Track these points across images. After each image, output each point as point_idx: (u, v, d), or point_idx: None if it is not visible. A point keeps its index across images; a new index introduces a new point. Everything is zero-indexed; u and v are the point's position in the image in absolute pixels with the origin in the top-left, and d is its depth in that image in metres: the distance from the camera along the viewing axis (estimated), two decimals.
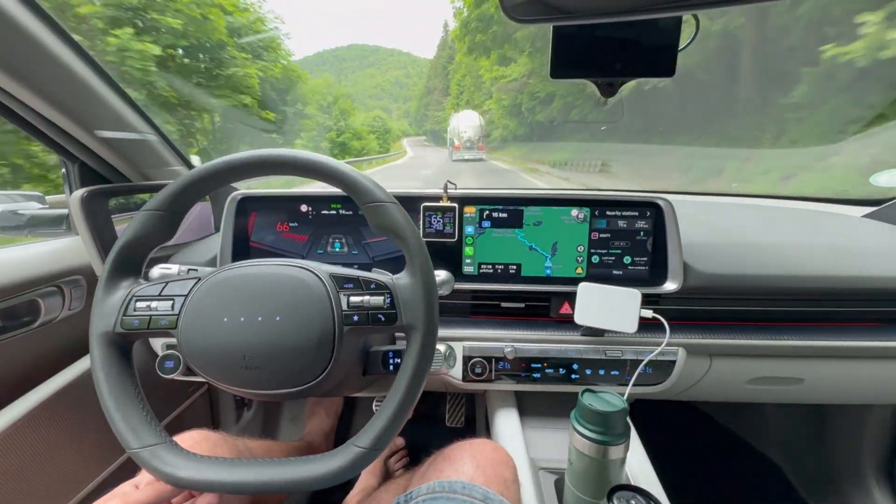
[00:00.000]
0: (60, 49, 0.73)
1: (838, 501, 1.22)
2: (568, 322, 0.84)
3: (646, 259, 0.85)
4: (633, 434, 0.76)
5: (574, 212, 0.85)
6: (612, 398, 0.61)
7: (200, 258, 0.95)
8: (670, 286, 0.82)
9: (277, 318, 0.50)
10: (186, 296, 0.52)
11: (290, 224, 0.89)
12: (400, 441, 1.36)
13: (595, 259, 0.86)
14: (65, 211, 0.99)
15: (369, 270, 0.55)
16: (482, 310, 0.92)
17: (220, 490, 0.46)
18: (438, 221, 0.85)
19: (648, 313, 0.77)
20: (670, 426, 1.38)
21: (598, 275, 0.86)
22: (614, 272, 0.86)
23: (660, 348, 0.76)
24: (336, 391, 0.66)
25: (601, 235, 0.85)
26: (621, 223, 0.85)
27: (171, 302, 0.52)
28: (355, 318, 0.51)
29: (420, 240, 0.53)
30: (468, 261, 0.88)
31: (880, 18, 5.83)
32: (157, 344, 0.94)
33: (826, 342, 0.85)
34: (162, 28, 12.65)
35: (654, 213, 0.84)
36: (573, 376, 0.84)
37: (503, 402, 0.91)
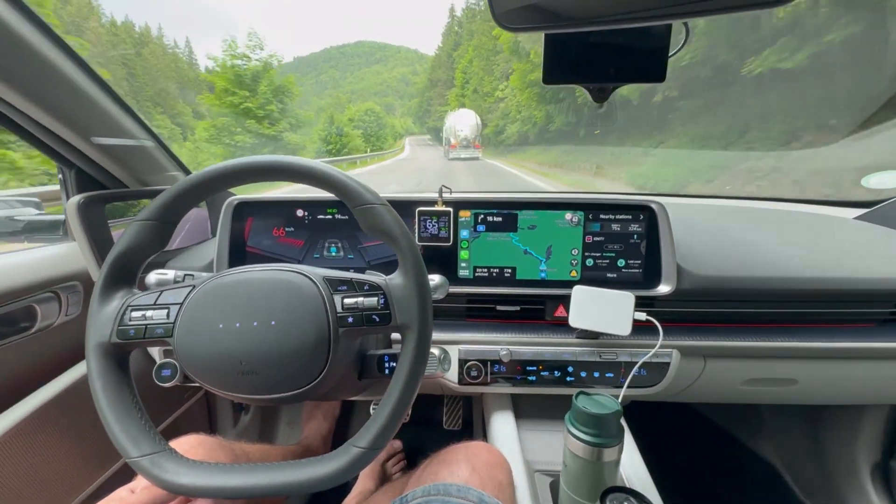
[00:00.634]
0: (56, 56, 0.74)
1: (834, 502, 1.23)
2: (563, 325, 0.85)
3: (639, 262, 0.86)
4: (628, 436, 0.77)
5: (568, 215, 0.85)
6: (606, 400, 0.61)
7: (197, 263, 0.96)
8: (664, 289, 0.83)
9: (273, 323, 0.50)
10: (181, 304, 0.52)
11: (287, 229, 0.89)
12: (397, 444, 1.36)
13: (589, 262, 0.86)
14: (61, 216, 1.00)
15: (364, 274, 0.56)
16: (477, 313, 0.92)
17: (222, 496, 0.46)
18: (434, 226, 0.86)
19: (642, 316, 0.77)
20: (665, 428, 1.38)
21: (593, 278, 0.86)
22: (608, 275, 0.86)
23: (654, 350, 0.77)
24: (332, 395, 0.66)
25: (595, 238, 0.86)
26: (615, 226, 0.85)
27: (167, 310, 0.52)
28: (350, 319, 0.52)
29: (411, 240, 0.54)
30: (463, 264, 0.88)
31: None
32: (155, 350, 0.94)
33: (819, 343, 0.85)
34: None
35: (647, 216, 0.85)
36: (568, 379, 0.84)
37: (499, 405, 0.91)
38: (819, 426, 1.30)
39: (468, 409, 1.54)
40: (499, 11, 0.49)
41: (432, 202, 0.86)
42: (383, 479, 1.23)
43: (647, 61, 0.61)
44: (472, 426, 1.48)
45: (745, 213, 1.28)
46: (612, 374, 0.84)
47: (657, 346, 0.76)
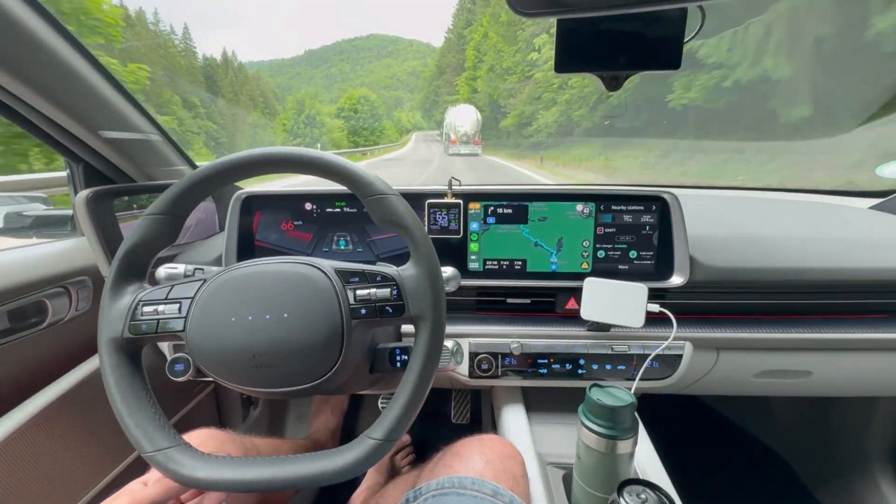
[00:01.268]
0: (64, 50, 0.73)
1: (845, 494, 1.22)
2: (574, 317, 0.84)
3: (652, 253, 0.85)
4: (641, 428, 0.76)
5: (579, 207, 0.84)
6: (620, 393, 0.61)
7: (206, 257, 0.95)
8: (677, 280, 0.82)
9: (285, 316, 0.50)
10: (193, 298, 0.52)
11: (295, 222, 0.89)
12: (406, 438, 1.36)
13: (601, 254, 0.85)
14: (69, 211, 0.99)
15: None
16: (488, 306, 0.92)
17: (239, 489, 0.46)
18: (443, 218, 0.85)
19: (655, 308, 0.76)
20: (677, 420, 1.37)
21: (604, 270, 0.86)
22: (620, 267, 0.85)
23: (666, 342, 0.76)
24: (344, 388, 0.66)
25: (606, 230, 0.85)
26: (627, 218, 0.84)
27: (178, 304, 0.51)
28: (363, 311, 0.51)
29: (424, 230, 0.53)
30: (473, 257, 0.88)
31: None
32: (165, 345, 0.94)
33: (834, 335, 0.84)
34: None
35: (659, 208, 0.84)
36: (580, 371, 0.84)
37: (510, 398, 0.91)
38: (829, 418, 1.29)
39: (476, 403, 1.54)
40: None
41: (442, 194, 0.85)
42: (392, 473, 1.23)
43: (663, 48, 0.60)
44: (481, 420, 1.49)
45: (757, 204, 1.26)
46: (624, 367, 0.83)
47: (671, 337, 0.75)
